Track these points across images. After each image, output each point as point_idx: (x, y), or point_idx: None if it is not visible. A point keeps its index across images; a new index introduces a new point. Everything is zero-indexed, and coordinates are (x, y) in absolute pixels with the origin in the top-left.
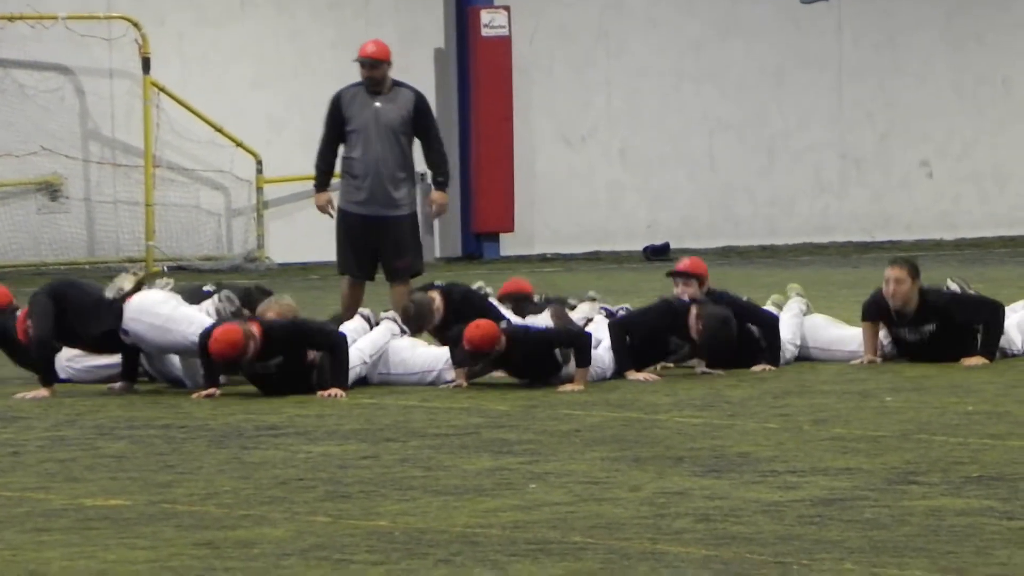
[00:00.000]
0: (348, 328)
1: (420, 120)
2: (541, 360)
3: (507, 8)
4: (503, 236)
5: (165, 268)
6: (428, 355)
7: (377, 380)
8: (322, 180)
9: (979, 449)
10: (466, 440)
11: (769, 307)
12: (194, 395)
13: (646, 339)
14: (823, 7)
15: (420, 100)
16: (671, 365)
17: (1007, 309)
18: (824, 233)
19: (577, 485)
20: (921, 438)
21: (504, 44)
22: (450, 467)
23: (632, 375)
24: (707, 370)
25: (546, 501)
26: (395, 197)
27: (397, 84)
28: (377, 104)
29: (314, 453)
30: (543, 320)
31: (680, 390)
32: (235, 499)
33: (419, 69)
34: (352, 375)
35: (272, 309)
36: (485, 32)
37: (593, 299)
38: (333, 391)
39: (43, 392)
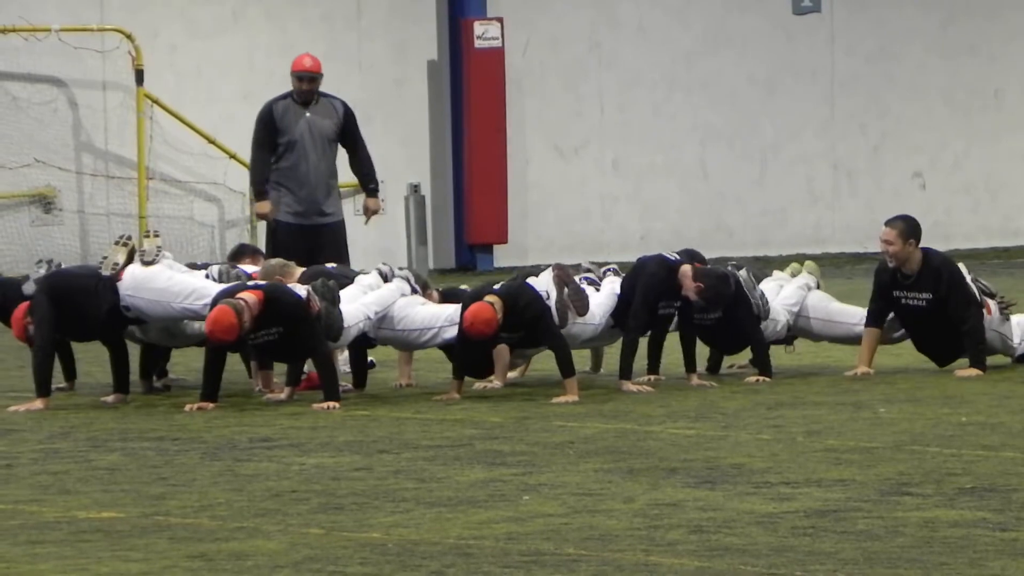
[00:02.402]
0: (363, 282)
1: (349, 129)
2: (535, 320)
3: (500, 20)
4: (497, 247)
5: (152, 231)
6: (429, 312)
7: (380, 336)
8: (263, 189)
9: (972, 460)
10: (459, 452)
11: (783, 275)
12: (187, 407)
13: (639, 307)
14: (815, 18)
15: (348, 110)
16: (662, 378)
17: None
18: (817, 244)
19: (570, 497)
20: (914, 449)
21: (497, 55)
22: (443, 479)
23: (626, 386)
24: (701, 382)
25: (539, 513)
26: (329, 204)
27: (322, 95)
28: (308, 115)
29: (307, 465)
30: (544, 282)
31: (673, 401)
32: (228, 511)
33: (412, 81)
34: (354, 331)
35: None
36: (478, 44)
37: (589, 270)
38: (327, 404)
39: (37, 404)
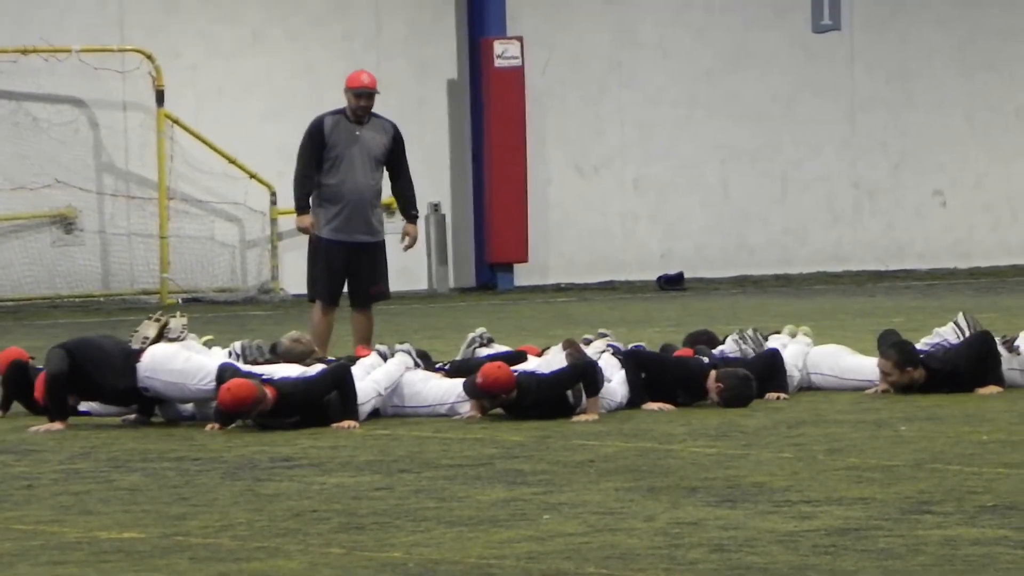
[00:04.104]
0: (364, 363)
1: (396, 151)
2: (552, 406)
3: (520, 39)
4: (517, 266)
5: (180, 300)
6: (441, 387)
7: (391, 412)
8: (306, 204)
9: (993, 478)
10: (480, 471)
11: (783, 337)
12: (208, 427)
13: (655, 381)
14: (835, 37)
15: (398, 132)
16: None
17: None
18: (838, 262)
19: (591, 515)
20: (935, 468)
21: (517, 74)
22: (464, 498)
23: (647, 405)
24: None
25: (560, 532)
26: (372, 223)
27: (373, 115)
28: (359, 132)
29: (328, 484)
30: (555, 359)
31: (694, 420)
32: (249, 531)
33: (432, 100)
34: (368, 407)
35: (295, 350)
36: (498, 63)
37: (604, 335)
38: (347, 423)
39: (57, 425)
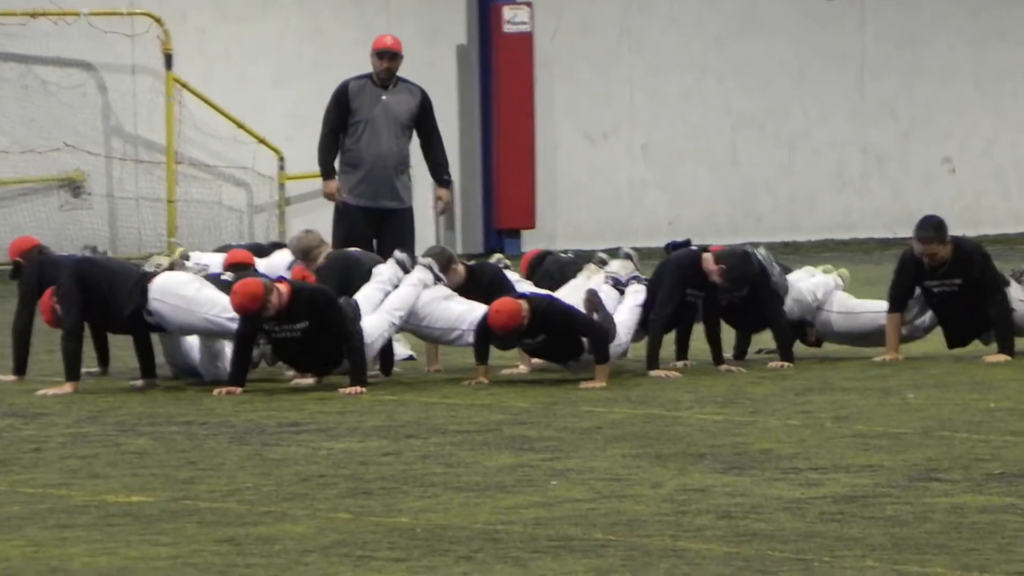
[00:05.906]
0: (381, 276)
1: (425, 117)
2: (564, 335)
3: (529, 4)
4: (524, 232)
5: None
6: (456, 311)
7: (404, 328)
8: (330, 169)
9: (1001, 446)
10: (487, 437)
11: (815, 269)
12: (216, 391)
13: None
14: (845, 3)
15: (426, 97)
16: (691, 363)
17: None
18: (846, 229)
19: (598, 482)
20: (943, 435)
21: (526, 40)
22: (471, 464)
23: (654, 372)
24: (729, 367)
25: (567, 498)
26: (398, 189)
27: (400, 79)
28: (385, 97)
29: (336, 450)
30: (573, 295)
31: (702, 386)
32: (257, 495)
33: (441, 65)
34: (380, 342)
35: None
36: (507, 28)
37: (628, 256)
38: (354, 388)
39: (66, 388)
